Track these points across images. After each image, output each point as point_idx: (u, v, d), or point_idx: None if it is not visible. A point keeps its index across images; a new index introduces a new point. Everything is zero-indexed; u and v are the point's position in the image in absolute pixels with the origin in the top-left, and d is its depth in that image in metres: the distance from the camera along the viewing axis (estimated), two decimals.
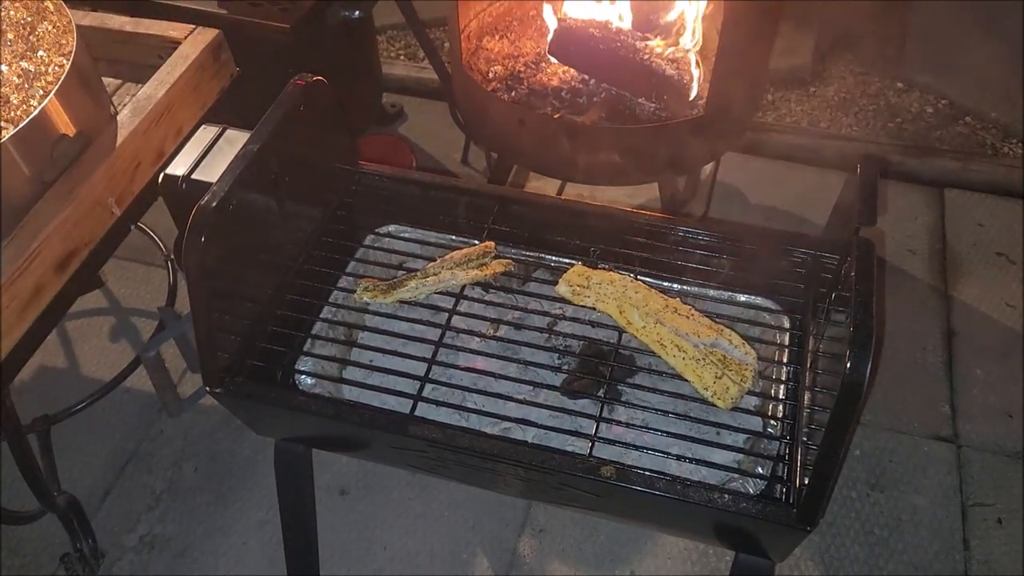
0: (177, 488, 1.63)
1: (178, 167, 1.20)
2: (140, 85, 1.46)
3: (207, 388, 1.10)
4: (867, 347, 0.88)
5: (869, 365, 0.87)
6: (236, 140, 1.21)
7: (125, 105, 1.42)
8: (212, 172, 1.18)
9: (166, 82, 1.45)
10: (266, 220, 1.19)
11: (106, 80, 1.52)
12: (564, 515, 1.57)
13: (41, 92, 1.25)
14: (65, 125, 1.28)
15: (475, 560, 1.52)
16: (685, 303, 1.21)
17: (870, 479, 1.61)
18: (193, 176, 1.19)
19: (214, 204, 1.02)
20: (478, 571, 1.51)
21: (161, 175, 1.21)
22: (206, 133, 1.26)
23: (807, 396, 1.12)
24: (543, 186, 2.11)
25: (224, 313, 1.12)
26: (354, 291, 1.24)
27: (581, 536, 1.55)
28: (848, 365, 0.88)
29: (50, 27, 1.35)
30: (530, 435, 1.15)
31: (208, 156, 1.22)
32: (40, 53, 1.31)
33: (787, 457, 1.08)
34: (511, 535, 1.55)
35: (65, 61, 1.28)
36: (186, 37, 1.53)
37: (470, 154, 2.26)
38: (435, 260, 1.26)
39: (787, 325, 1.24)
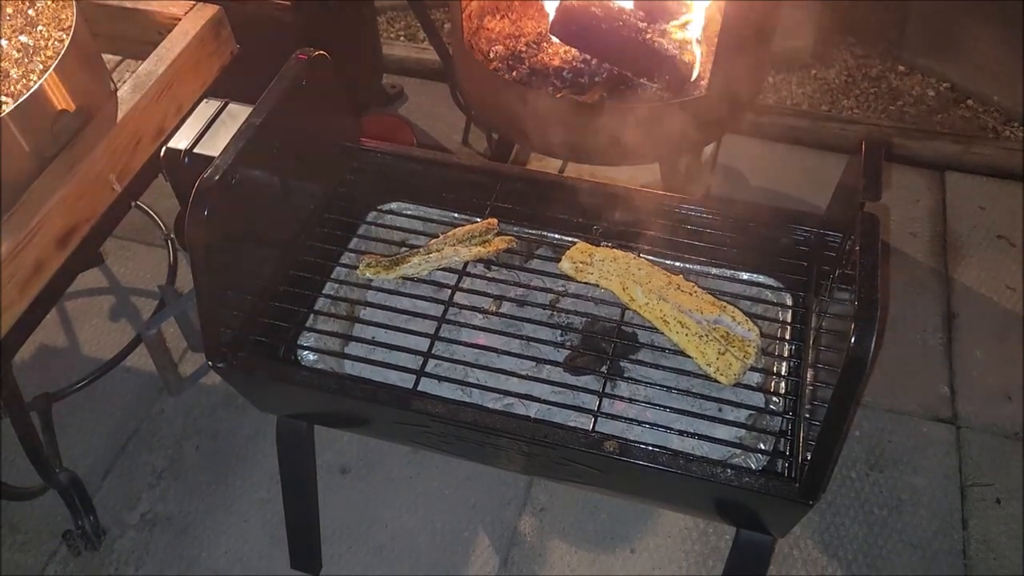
0: (178, 466, 1.63)
1: (180, 141, 1.20)
2: (140, 61, 1.45)
3: (210, 363, 1.10)
4: (872, 321, 0.88)
5: (874, 339, 0.88)
6: (238, 114, 1.20)
7: (125, 81, 1.41)
8: (215, 146, 1.18)
9: (166, 58, 1.44)
10: (268, 195, 1.18)
11: (106, 56, 1.51)
12: (565, 494, 1.57)
13: (41, 67, 1.24)
14: (65, 100, 1.27)
15: (476, 538, 1.53)
16: (688, 280, 1.21)
17: (870, 459, 1.61)
18: (195, 150, 1.18)
19: (217, 177, 1.01)
20: (479, 549, 1.52)
21: (163, 149, 1.21)
22: (208, 107, 1.25)
23: (810, 373, 1.12)
24: (544, 166, 2.11)
25: (227, 288, 1.12)
26: (356, 267, 1.23)
27: (582, 514, 1.55)
28: (853, 339, 0.88)
29: (49, 1, 1.34)
30: (533, 410, 1.15)
31: (210, 130, 1.21)
32: (39, 28, 1.30)
33: (789, 432, 1.08)
34: (512, 514, 1.56)
35: (64, 36, 1.27)
36: (186, 13, 1.52)
37: (470, 135, 2.25)
38: (438, 237, 1.26)
39: (790, 303, 1.24)
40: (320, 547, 1.47)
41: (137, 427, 1.69)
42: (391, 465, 1.62)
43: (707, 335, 1.12)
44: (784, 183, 2.13)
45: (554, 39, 1.81)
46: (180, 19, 1.51)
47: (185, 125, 1.23)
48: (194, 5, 1.53)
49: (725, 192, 2.10)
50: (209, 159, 1.04)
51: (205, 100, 1.28)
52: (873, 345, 0.88)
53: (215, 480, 1.61)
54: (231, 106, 1.25)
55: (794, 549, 1.50)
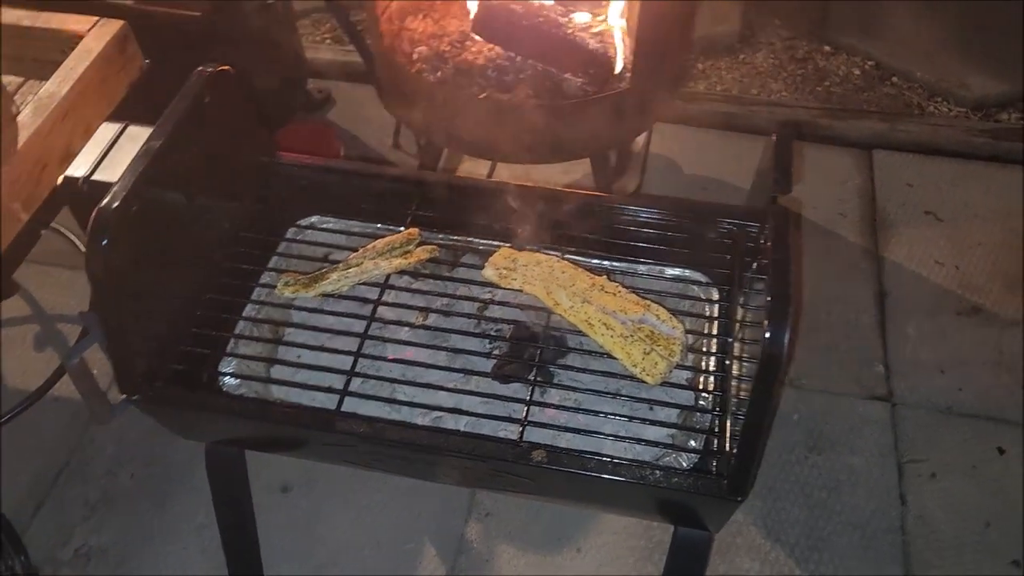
0: (112, 497, 1.59)
1: (78, 168, 1.15)
2: (45, 82, 1.40)
3: (123, 396, 1.06)
4: (784, 317, 0.88)
5: (787, 334, 0.88)
6: (139, 137, 1.16)
7: (27, 104, 1.36)
8: (115, 172, 1.13)
9: (69, 78, 1.39)
10: (178, 218, 1.14)
11: (7, 78, 1.46)
12: (510, 498, 1.56)
13: None
14: None
15: (422, 549, 1.51)
16: (613, 280, 1.21)
17: (808, 442, 1.63)
18: (94, 177, 1.14)
19: (115, 205, 0.97)
20: (425, 559, 1.50)
21: (60, 177, 1.16)
22: (107, 131, 1.21)
23: (736, 367, 1.12)
24: (475, 168, 2.09)
25: (138, 317, 1.08)
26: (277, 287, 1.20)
27: (527, 518, 1.54)
28: (767, 336, 0.88)
29: None
30: (462, 423, 1.13)
31: (110, 155, 1.17)
32: None
33: (717, 428, 1.09)
34: (458, 521, 1.54)
35: None
36: (89, 30, 1.47)
37: (402, 137, 2.22)
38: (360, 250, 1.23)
39: (716, 297, 1.25)
40: (262, 570, 1.44)
41: (68, 459, 1.64)
42: (333, 480, 1.59)
43: (632, 335, 1.12)
44: (717, 170, 2.14)
45: (477, 38, 1.79)
46: (83, 36, 1.46)
47: (83, 151, 1.19)
48: (97, 21, 1.48)
49: (658, 182, 2.10)
50: (109, 186, 1.00)
51: (104, 123, 1.23)
52: (788, 340, 0.88)
53: (151, 508, 1.57)
54: (131, 128, 1.20)
55: (737, 537, 1.51)
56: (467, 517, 1.55)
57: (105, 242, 0.96)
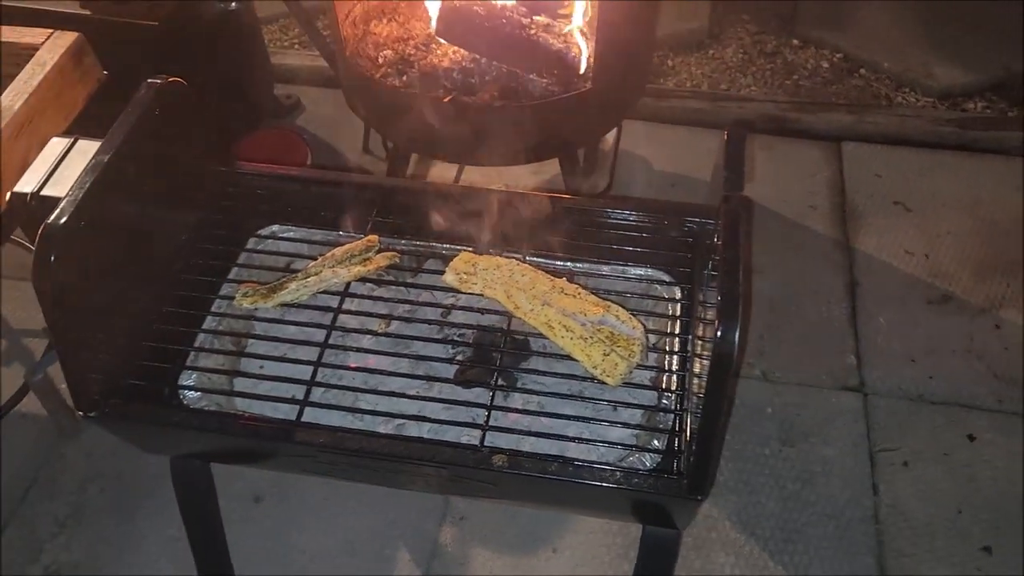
0: (82, 512, 1.57)
1: (26, 184, 1.14)
2: None
3: (80, 413, 1.05)
4: (734, 315, 0.88)
5: (737, 333, 0.88)
6: (89, 151, 1.15)
7: None
8: (63, 187, 1.12)
9: (23, 92, 1.37)
10: (132, 231, 1.13)
11: None
12: (485, 501, 1.56)
13: None
14: None
15: (397, 554, 1.51)
16: (575, 282, 1.20)
17: (781, 435, 1.64)
18: (43, 193, 1.13)
19: (63, 221, 0.96)
20: (400, 564, 1.50)
21: (8, 193, 1.15)
22: (56, 146, 1.19)
23: (697, 365, 1.12)
24: (445, 170, 2.08)
25: (93, 333, 1.07)
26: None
27: (502, 520, 1.54)
28: (718, 334, 0.88)
29: None
30: (425, 430, 1.13)
31: (59, 170, 1.16)
32: None
33: (678, 428, 1.09)
34: (432, 525, 1.54)
35: None
36: (43, 42, 1.45)
37: (372, 141, 2.21)
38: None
39: (678, 295, 1.24)
40: None
41: (36, 475, 1.62)
42: (306, 488, 1.59)
43: (591, 337, 1.11)
44: (688, 166, 2.15)
45: (442, 41, 1.78)
46: (37, 49, 1.45)
47: (32, 166, 1.18)
48: (52, 33, 1.47)
49: (628, 180, 2.10)
50: (58, 201, 0.99)
51: (53, 138, 1.22)
52: (738, 338, 0.88)
53: (122, 522, 1.56)
54: (81, 142, 1.19)
55: (712, 532, 1.51)
56: (441, 521, 1.55)
57: (53, 258, 0.95)
